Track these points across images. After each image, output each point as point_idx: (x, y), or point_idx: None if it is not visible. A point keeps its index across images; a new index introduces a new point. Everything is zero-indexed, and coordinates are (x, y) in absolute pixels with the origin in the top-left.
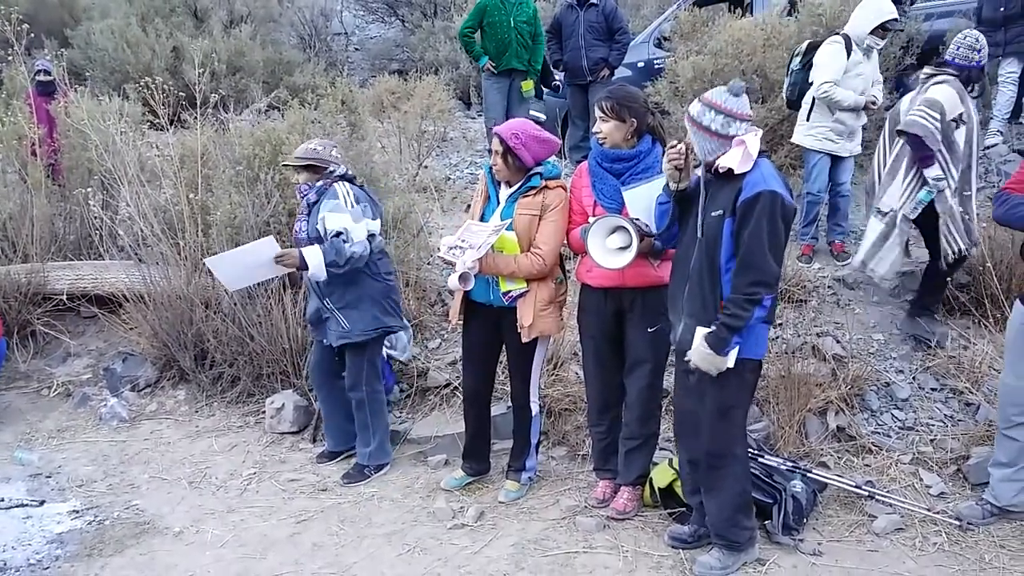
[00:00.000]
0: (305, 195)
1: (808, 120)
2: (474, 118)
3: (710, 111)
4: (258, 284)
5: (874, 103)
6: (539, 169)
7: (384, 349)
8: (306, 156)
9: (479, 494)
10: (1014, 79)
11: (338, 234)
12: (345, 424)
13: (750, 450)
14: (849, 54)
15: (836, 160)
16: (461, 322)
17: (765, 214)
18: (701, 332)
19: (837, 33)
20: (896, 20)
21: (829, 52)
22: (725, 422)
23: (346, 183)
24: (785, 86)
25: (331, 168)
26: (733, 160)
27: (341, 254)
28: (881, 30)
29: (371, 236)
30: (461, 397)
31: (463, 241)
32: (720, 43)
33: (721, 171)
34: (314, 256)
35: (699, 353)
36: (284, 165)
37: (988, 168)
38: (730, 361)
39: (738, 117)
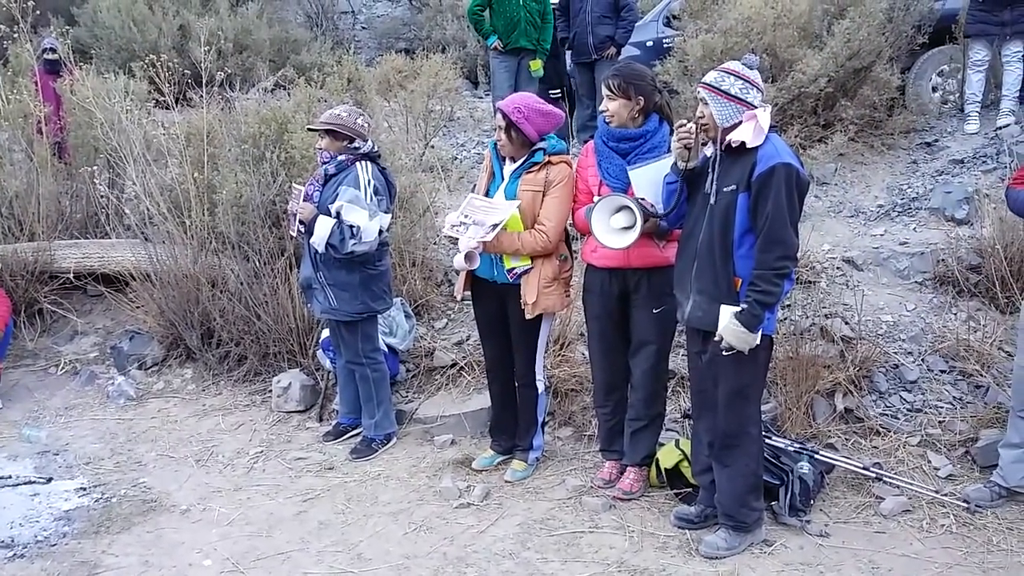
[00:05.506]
0: (325, 163)
1: None
2: (481, 97)
3: (729, 76)
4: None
5: None
6: (542, 144)
7: (383, 337)
8: (329, 121)
9: (485, 473)
10: (1019, 58)
11: (351, 227)
12: (356, 394)
13: None
14: None
15: None
16: (469, 293)
17: (783, 187)
18: (728, 311)
19: None
20: None
21: None
22: (740, 400)
23: (369, 165)
24: None
25: (356, 142)
26: (745, 134)
27: (344, 244)
28: None
29: (379, 231)
30: (468, 378)
31: (466, 217)
32: (730, 22)
33: (734, 145)
34: (323, 228)
35: (730, 331)
36: (308, 129)
37: (1000, 149)
38: (759, 337)
39: (755, 85)
